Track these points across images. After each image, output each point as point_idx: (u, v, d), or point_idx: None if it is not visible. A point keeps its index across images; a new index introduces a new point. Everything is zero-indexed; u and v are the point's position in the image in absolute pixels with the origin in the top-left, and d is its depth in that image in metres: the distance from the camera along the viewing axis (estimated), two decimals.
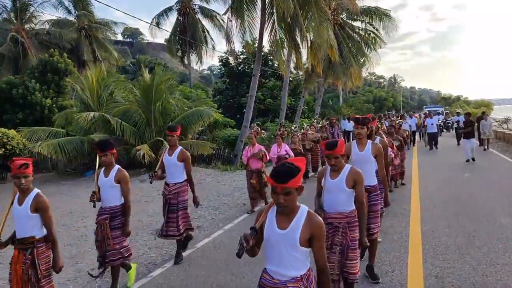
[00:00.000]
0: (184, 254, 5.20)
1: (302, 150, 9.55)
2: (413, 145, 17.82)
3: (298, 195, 2.12)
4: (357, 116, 4.18)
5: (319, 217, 2.20)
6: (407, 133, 12.74)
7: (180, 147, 5.00)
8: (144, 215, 7.41)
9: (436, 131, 16.92)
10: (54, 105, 16.80)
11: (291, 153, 8.16)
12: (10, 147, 12.42)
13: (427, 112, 22.49)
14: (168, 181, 5.00)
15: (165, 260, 5.06)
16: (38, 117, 16.40)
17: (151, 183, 5.01)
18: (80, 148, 12.50)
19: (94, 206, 4.12)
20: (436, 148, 16.41)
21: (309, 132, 11.38)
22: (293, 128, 17.31)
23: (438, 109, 32.24)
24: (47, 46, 22.03)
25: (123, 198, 4.17)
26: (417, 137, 19.98)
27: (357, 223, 3.40)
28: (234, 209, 7.71)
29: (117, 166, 4.21)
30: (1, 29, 22.71)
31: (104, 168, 4.20)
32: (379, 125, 7.41)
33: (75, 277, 4.70)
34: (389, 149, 6.33)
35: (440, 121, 23.96)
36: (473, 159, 12.39)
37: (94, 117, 12.20)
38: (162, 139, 12.61)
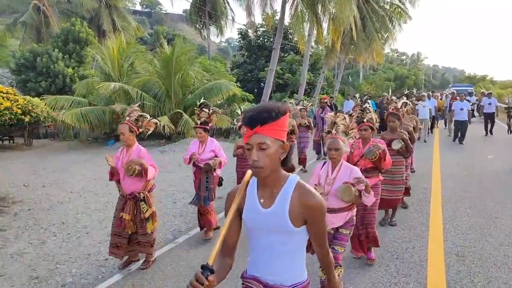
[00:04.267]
0: None
1: None
2: (431, 133, 14.52)
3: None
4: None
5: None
6: (416, 123, 6.99)
7: None
8: (166, 185, 7.61)
9: (466, 119, 12.26)
10: (75, 75, 17.06)
11: (224, 156, 4.80)
12: (35, 114, 12.76)
13: (454, 92, 16.66)
14: None
15: (189, 228, 5.24)
16: (60, 86, 16.71)
17: None
18: (102, 118, 12.76)
19: None
20: (462, 143, 12.08)
21: None
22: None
23: (467, 88, 24.72)
24: (68, 15, 22.15)
25: None
26: (441, 124, 16.92)
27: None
28: None
29: None
30: None
31: None
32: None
33: (105, 240, 4.93)
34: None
35: (474, 104, 19.21)
36: None
37: (115, 87, 12.33)
38: (182, 111, 12.73)
